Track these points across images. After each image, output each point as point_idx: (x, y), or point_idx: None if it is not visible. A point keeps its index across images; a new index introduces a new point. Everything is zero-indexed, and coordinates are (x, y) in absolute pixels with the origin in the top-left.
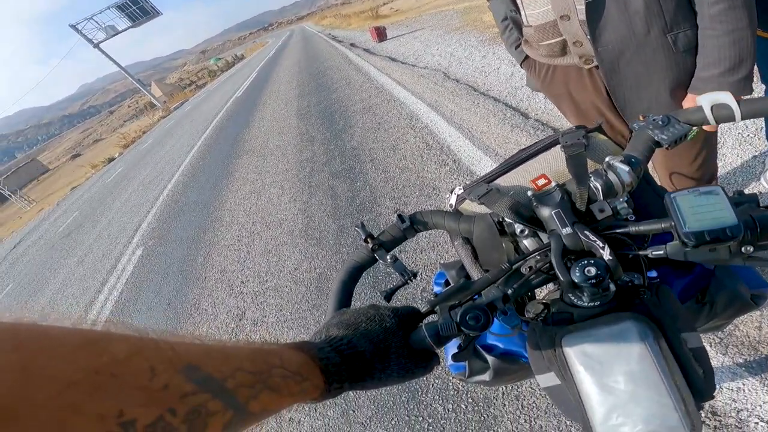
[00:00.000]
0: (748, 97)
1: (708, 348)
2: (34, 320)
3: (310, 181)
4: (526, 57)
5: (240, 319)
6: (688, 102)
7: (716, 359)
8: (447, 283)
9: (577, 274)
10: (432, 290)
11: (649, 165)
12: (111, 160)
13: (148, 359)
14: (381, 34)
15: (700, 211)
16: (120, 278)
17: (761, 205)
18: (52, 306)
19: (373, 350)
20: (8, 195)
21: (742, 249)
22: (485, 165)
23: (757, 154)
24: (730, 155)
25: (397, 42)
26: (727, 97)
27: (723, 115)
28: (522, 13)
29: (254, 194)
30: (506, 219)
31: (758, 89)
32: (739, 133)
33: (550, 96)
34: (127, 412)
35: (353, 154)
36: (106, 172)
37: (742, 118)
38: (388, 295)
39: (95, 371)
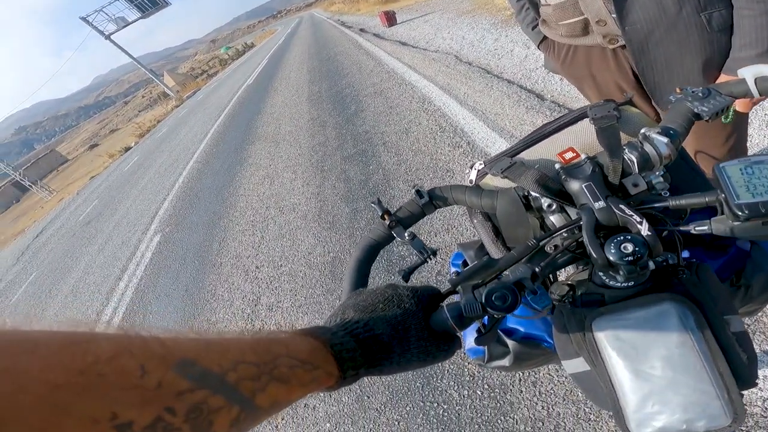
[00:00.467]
0: None
1: None
2: (14, 325)
3: (323, 166)
4: (544, 38)
5: (255, 305)
6: (722, 82)
7: None
8: (465, 264)
9: (613, 251)
10: (450, 271)
11: None
12: (128, 149)
13: (136, 357)
14: (390, 19)
15: (753, 181)
16: (139, 265)
17: None
18: (75, 294)
19: (391, 333)
20: (29, 185)
21: None
22: (500, 146)
23: None
24: (756, 136)
25: (407, 26)
26: None
27: (766, 86)
28: None
29: (267, 179)
30: (532, 193)
31: None
32: (766, 114)
33: (570, 78)
34: (120, 414)
35: (365, 138)
36: (123, 161)
37: None
38: (407, 275)
39: (80, 372)
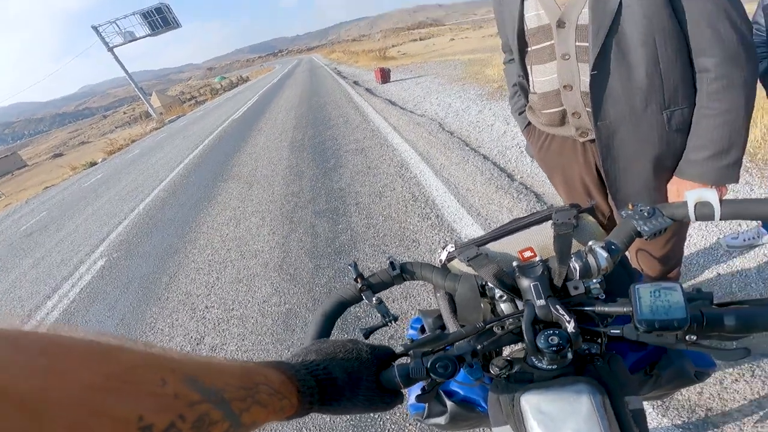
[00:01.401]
0: (732, 197)
1: (651, 410)
2: (51, 329)
3: (293, 216)
4: (529, 123)
5: (198, 344)
6: (672, 185)
7: (657, 420)
8: (422, 329)
9: (542, 341)
10: (408, 331)
11: None
12: (93, 164)
13: (158, 369)
14: (385, 76)
15: (656, 303)
16: (74, 287)
17: (715, 302)
18: None
19: (346, 379)
20: None
21: (687, 337)
22: (466, 224)
23: (720, 235)
24: (695, 235)
25: (399, 86)
26: (712, 197)
27: (704, 213)
28: (530, 79)
29: (234, 221)
30: (489, 283)
31: None
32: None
33: (543, 166)
34: (145, 417)
35: (340, 195)
36: (85, 175)
37: (721, 219)
38: (367, 333)
39: (111, 376)
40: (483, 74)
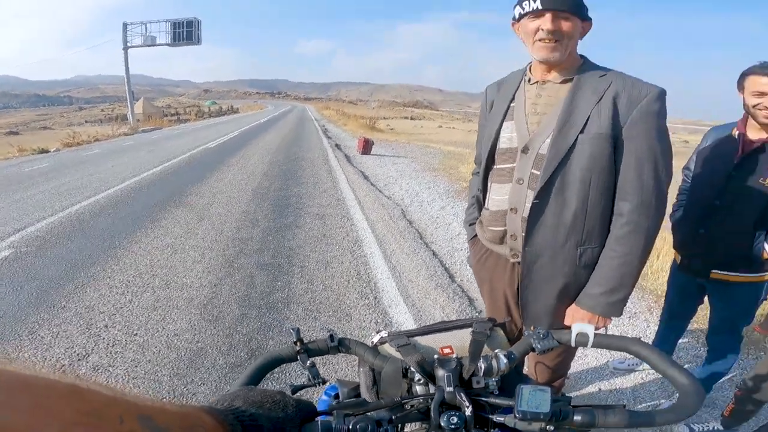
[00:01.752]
0: (603, 333)
1: None
2: (29, 367)
3: (234, 262)
4: (475, 236)
5: (79, 359)
6: (569, 310)
7: None
8: (336, 397)
9: (444, 420)
10: (321, 396)
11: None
12: (44, 151)
13: (117, 407)
14: (367, 147)
15: (531, 399)
16: None
17: (572, 404)
18: None
19: (271, 428)
20: None
21: (548, 427)
22: (400, 311)
23: (611, 359)
24: (591, 356)
25: (377, 161)
26: (589, 330)
27: (581, 341)
28: (487, 196)
29: (170, 249)
30: (411, 368)
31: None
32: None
33: (477, 277)
34: None
35: (288, 254)
36: (30, 160)
37: (593, 347)
38: (295, 390)
39: (86, 413)
40: (457, 170)
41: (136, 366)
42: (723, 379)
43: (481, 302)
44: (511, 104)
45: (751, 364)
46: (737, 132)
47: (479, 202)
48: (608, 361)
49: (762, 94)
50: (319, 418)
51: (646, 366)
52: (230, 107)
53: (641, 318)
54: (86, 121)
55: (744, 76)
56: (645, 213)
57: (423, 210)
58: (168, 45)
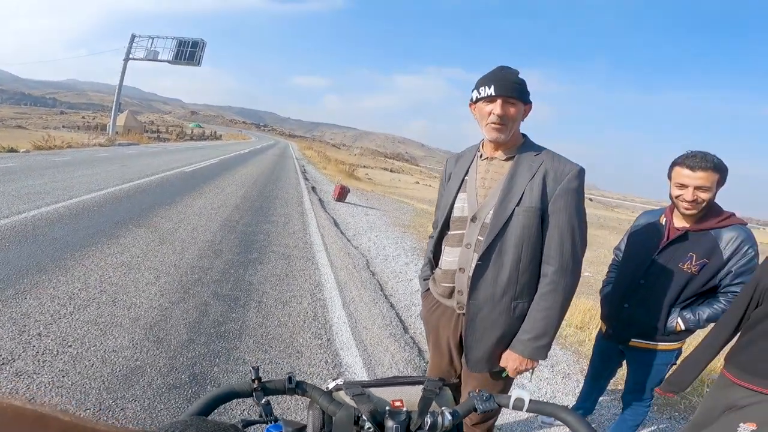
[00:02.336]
0: (537, 400)
1: None
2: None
3: (190, 288)
4: (427, 289)
5: (3, 364)
6: (504, 355)
7: None
8: None
9: None
10: None
11: None
12: (12, 150)
13: None
14: (342, 195)
15: None
16: None
17: None
18: None
19: None
20: None
21: None
22: (351, 354)
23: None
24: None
25: (350, 209)
26: (525, 396)
27: (518, 406)
28: (441, 257)
29: (125, 268)
30: (363, 416)
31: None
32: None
33: (426, 325)
34: None
35: (247, 288)
36: None
37: (527, 410)
38: (246, 425)
39: None
40: (426, 229)
41: (63, 376)
42: None
43: (428, 354)
44: (465, 177)
45: (666, 423)
46: (664, 219)
47: (431, 262)
48: (537, 415)
49: (683, 185)
50: None
51: None
52: (213, 133)
53: (573, 378)
54: (63, 126)
55: (672, 165)
56: (563, 275)
57: (387, 264)
58: (168, 62)
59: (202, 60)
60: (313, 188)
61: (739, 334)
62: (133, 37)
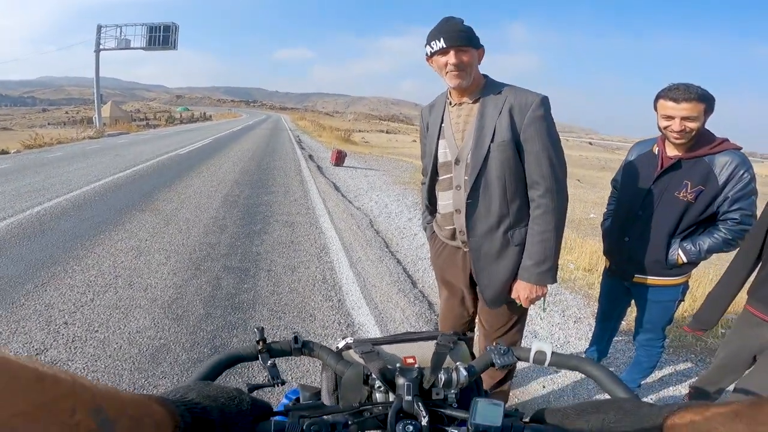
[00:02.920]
0: (560, 352)
1: None
2: None
3: (201, 265)
4: (433, 233)
5: (37, 354)
6: (515, 285)
7: None
8: (297, 400)
9: (400, 428)
10: (282, 400)
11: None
12: (3, 152)
13: (73, 399)
14: (340, 159)
15: (485, 414)
16: None
17: (523, 419)
18: None
19: (221, 422)
20: None
21: None
22: (362, 313)
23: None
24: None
25: (349, 172)
26: (547, 348)
27: (539, 359)
28: (438, 203)
29: (135, 251)
30: (373, 375)
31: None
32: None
33: (435, 268)
34: None
35: (255, 258)
36: None
37: (549, 365)
38: (252, 389)
39: (40, 406)
40: None
41: (96, 361)
42: (651, 375)
43: (439, 307)
44: (442, 125)
45: (683, 365)
46: (657, 148)
47: (428, 208)
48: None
49: (670, 117)
50: (273, 418)
51: None
52: (203, 114)
53: (585, 322)
54: (49, 123)
55: (657, 98)
56: (550, 196)
57: (390, 221)
58: (143, 49)
59: (177, 43)
60: (311, 156)
61: (759, 265)
62: (100, 27)
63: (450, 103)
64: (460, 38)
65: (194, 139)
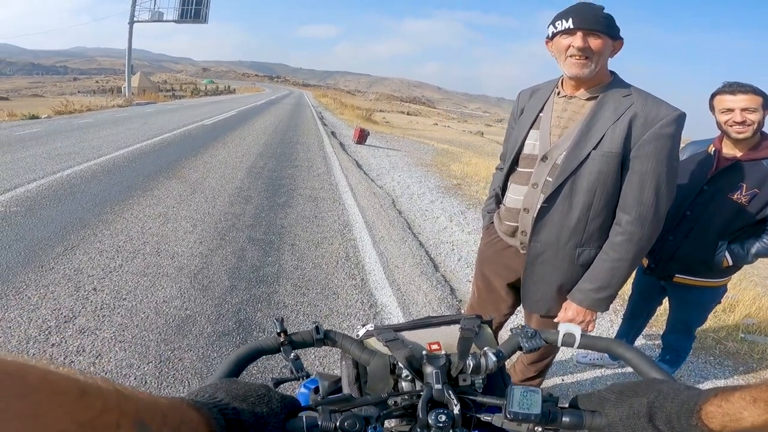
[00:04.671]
0: (590, 334)
1: None
2: (37, 365)
3: (226, 235)
4: (491, 222)
5: (66, 322)
6: (565, 304)
7: None
8: (316, 390)
9: (432, 417)
10: (300, 390)
11: None
12: (34, 117)
13: (117, 414)
14: (362, 137)
15: (523, 400)
16: None
17: (560, 404)
18: None
19: (253, 423)
20: None
21: (536, 428)
22: (385, 294)
23: (575, 353)
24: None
25: (371, 151)
26: (576, 331)
27: (568, 342)
28: (506, 194)
29: (162, 218)
30: (399, 364)
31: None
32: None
33: (481, 257)
34: None
35: (279, 231)
36: (20, 125)
37: (579, 347)
38: (277, 383)
39: (83, 423)
40: (448, 168)
41: (123, 330)
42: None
43: (461, 292)
44: (540, 114)
45: (703, 368)
46: (713, 148)
47: (497, 197)
48: (572, 355)
49: (729, 110)
50: (303, 414)
51: (606, 362)
52: (227, 87)
53: (605, 318)
54: (79, 92)
55: (712, 97)
56: (640, 226)
57: (413, 202)
58: (175, 21)
59: (208, 17)
60: (333, 133)
61: None
62: None
63: (558, 94)
64: (594, 21)
65: (219, 111)
